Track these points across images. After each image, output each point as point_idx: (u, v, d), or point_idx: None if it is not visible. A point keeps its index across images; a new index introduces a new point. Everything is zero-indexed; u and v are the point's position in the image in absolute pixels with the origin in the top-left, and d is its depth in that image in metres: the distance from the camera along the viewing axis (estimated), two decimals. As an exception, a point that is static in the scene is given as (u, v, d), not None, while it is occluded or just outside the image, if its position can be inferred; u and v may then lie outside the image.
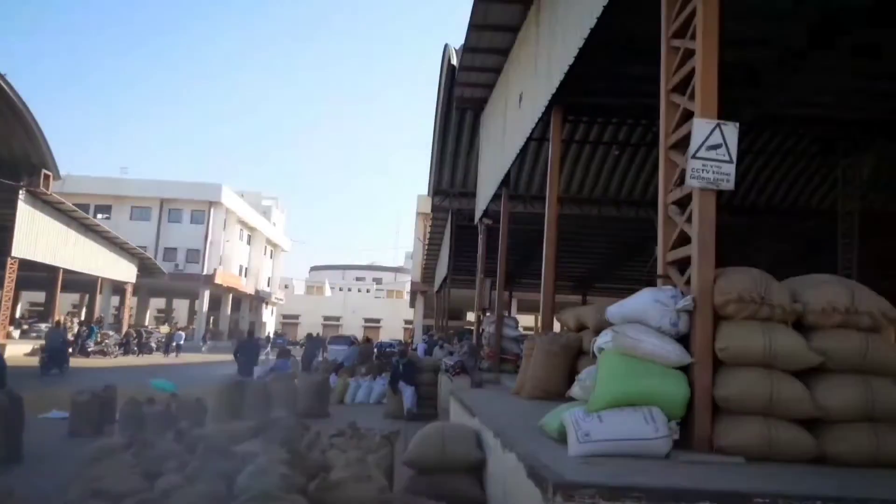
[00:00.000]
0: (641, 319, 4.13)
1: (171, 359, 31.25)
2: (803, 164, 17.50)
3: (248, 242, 59.09)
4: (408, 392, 11.84)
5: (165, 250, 48.22)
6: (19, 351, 25.19)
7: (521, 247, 24.66)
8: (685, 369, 3.93)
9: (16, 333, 29.17)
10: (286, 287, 77.98)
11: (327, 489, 3.83)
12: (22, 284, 28.36)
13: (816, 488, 3.19)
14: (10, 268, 25.52)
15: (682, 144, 4.45)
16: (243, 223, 56.18)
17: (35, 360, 20.93)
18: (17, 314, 37.17)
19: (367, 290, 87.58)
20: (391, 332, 65.73)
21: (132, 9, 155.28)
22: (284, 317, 74.37)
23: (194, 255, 48.49)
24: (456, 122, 17.00)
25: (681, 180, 4.40)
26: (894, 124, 13.45)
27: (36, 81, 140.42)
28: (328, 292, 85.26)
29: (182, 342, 34.79)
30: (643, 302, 4.18)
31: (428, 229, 32.43)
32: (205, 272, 47.74)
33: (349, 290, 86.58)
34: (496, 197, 13.49)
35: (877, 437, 3.73)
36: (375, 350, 20.06)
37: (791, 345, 3.84)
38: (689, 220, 4.22)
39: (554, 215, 9.75)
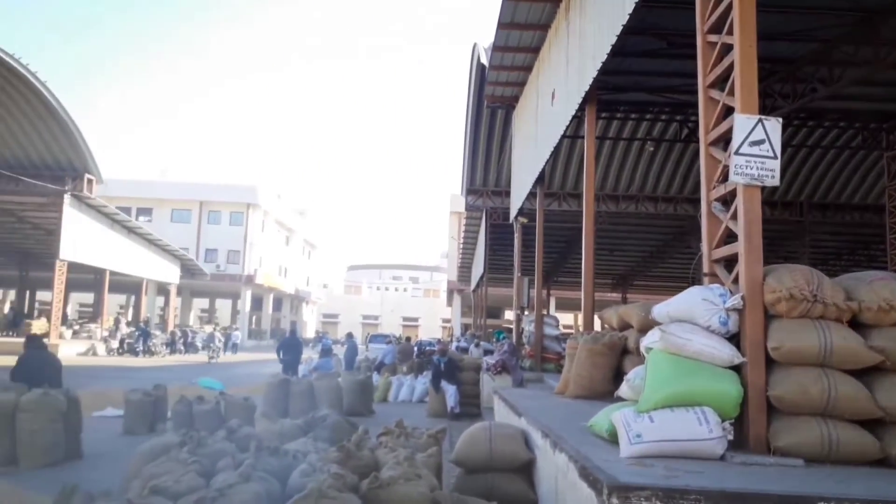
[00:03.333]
0: (689, 318, 4.11)
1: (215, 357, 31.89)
2: (846, 157, 17.07)
3: (287, 243, 59.92)
4: (450, 391, 11.86)
5: (206, 251, 49.20)
6: (72, 351, 25.98)
7: (557, 244, 24.58)
8: (736, 369, 3.90)
9: (67, 334, 30.07)
10: (325, 286, 78.88)
11: (379, 487, 3.89)
12: (71, 286, 29.23)
13: (883, 491, 3.13)
14: (60, 270, 26.35)
15: (723, 140, 4.42)
16: (280, 224, 57.01)
17: (87, 361, 21.55)
18: (68, 315, 38.29)
19: (405, 289, 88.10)
20: (429, 330, 65.98)
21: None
22: (324, 316, 75.28)
23: (235, 256, 49.40)
24: (487, 120, 17.03)
25: (723, 177, 4.36)
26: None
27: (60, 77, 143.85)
28: (366, 292, 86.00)
29: (238, 341, 35.45)
30: (691, 301, 4.16)
31: (462, 228, 32.48)
32: (245, 272, 48.61)
33: (386, 289, 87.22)
34: (531, 195, 13.48)
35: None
36: (416, 349, 20.16)
37: (848, 343, 3.76)
38: (734, 217, 4.18)
39: (591, 212, 9.70)
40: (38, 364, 8.61)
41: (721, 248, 4.39)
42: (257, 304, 53.02)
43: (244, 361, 29.83)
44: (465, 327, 41.31)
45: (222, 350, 32.48)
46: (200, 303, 57.52)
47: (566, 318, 44.17)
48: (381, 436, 5.56)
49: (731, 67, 4.31)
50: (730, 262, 4.29)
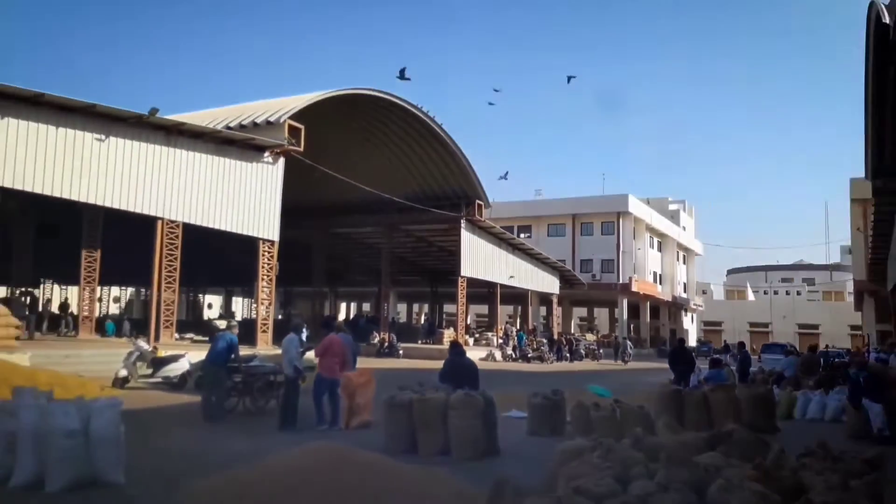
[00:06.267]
0: None
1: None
2: None
3: (659, 249, 58.91)
4: (875, 409, 10.18)
5: (581, 262, 51.30)
6: (474, 356, 29.47)
7: None
8: None
9: (469, 341, 34.34)
10: (704, 292, 75.12)
11: (815, 514, 3.52)
12: (469, 299, 33.50)
13: None
14: (461, 285, 30.44)
15: None
16: (652, 230, 56.32)
17: (487, 365, 24.28)
18: (468, 324, 43.79)
19: (798, 293, 78.77)
20: (833, 339, 57.70)
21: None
22: (705, 323, 71.75)
23: (608, 265, 50.52)
24: (893, 85, 14.19)
25: None
26: None
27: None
28: (751, 296, 79.37)
29: (630, 350, 36.47)
30: None
31: (870, 217, 27.64)
32: (620, 281, 49.27)
33: (775, 292, 79.11)
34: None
35: None
36: (821, 360, 17.81)
37: None
38: None
39: None
40: (459, 368, 10.00)
41: None
42: (633, 311, 53.21)
43: (628, 370, 30.15)
44: (883, 335, 34.98)
45: (631, 358, 34.18)
46: (579, 311, 60.07)
47: None
48: (803, 457, 5.02)
49: None
50: None
